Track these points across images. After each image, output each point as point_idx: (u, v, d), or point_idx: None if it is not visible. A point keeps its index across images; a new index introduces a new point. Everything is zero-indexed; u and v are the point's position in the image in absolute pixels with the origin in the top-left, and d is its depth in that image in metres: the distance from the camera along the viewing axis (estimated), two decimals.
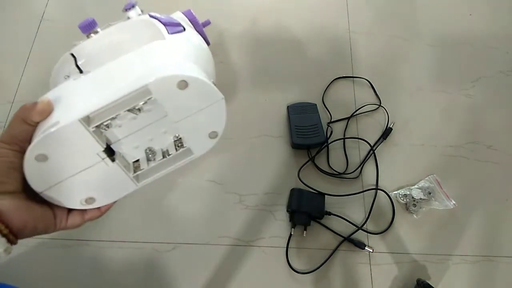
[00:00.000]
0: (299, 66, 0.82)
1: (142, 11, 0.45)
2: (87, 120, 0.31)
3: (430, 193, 0.69)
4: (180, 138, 0.37)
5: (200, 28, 0.49)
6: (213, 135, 0.37)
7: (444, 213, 0.69)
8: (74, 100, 0.33)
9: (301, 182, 0.70)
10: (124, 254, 0.65)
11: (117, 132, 0.34)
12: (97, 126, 0.31)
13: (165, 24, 0.41)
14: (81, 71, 0.40)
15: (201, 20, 0.51)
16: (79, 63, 0.41)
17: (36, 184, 0.32)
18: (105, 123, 0.32)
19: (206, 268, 0.65)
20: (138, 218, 0.68)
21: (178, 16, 0.48)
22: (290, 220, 0.67)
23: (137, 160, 0.37)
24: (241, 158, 0.73)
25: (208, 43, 0.48)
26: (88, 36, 0.41)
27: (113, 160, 0.34)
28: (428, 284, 0.60)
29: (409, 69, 0.83)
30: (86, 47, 0.42)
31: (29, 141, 0.31)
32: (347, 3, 0.89)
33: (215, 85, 0.34)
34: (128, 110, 0.32)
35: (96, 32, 0.41)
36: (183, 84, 0.31)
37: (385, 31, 0.87)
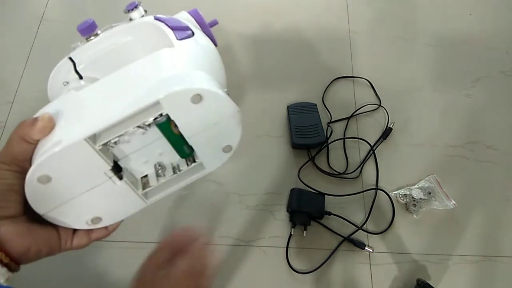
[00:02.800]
0: (299, 66, 0.82)
1: (145, 11, 0.42)
2: (93, 138, 0.29)
3: (430, 193, 0.69)
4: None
5: (207, 29, 0.45)
6: (227, 149, 0.35)
7: (444, 213, 0.69)
8: (78, 115, 0.30)
9: (301, 182, 0.70)
10: (124, 254, 0.65)
11: (125, 147, 0.32)
12: (104, 144, 0.29)
13: (172, 29, 0.38)
14: (80, 77, 0.39)
15: (207, 20, 0.47)
16: (78, 68, 0.39)
17: (38, 206, 0.30)
18: (112, 141, 0.30)
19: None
20: (138, 218, 0.68)
21: (184, 17, 0.45)
22: (290, 220, 0.67)
23: (146, 176, 0.35)
24: (241, 158, 0.73)
25: (215, 45, 0.45)
26: (87, 39, 0.39)
27: (120, 178, 0.32)
28: (428, 284, 0.60)
29: (409, 69, 0.83)
30: (86, 51, 0.39)
31: (29, 160, 0.29)
32: (347, 3, 0.89)
33: (228, 95, 0.32)
34: (138, 126, 0.30)
35: (97, 35, 0.39)
36: (197, 98, 0.29)
37: (385, 31, 0.87)
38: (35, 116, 0.30)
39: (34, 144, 0.29)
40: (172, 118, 0.30)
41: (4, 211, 0.29)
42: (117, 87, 0.31)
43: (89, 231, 0.35)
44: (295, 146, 0.73)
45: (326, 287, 0.64)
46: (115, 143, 0.31)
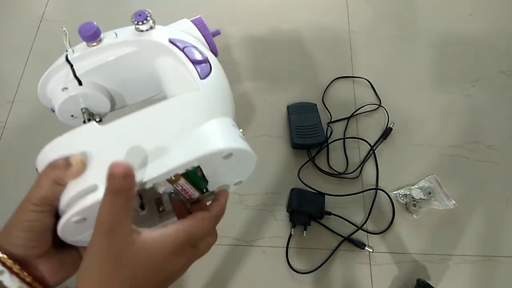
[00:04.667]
0: (299, 66, 0.82)
1: (154, 23, 0.38)
2: None
3: (430, 193, 0.69)
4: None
5: (210, 40, 0.43)
6: (238, 183, 0.37)
7: (444, 213, 0.69)
8: (108, 160, 0.30)
9: (301, 182, 0.70)
10: None
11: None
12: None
13: (193, 62, 0.36)
14: (80, 83, 0.37)
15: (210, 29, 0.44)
16: (78, 73, 0.37)
17: (67, 238, 0.31)
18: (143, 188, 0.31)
19: (206, 268, 0.65)
20: None
21: (186, 25, 0.43)
22: (290, 220, 0.67)
23: (159, 198, 0.36)
24: None
25: (216, 55, 0.43)
26: (89, 45, 0.37)
27: (143, 209, 0.34)
28: (428, 284, 0.60)
29: (409, 69, 0.83)
30: (87, 58, 0.38)
31: (58, 199, 0.29)
32: (347, 3, 0.89)
33: (243, 135, 0.34)
34: (167, 180, 0.31)
35: (100, 41, 0.37)
36: (229, 155, 0.32)
37: (385, 31, 0.87)
38: (61, 156, 0.30)
39: (64, 186, 0.29)
40: (203, 170, 0.32)
41: (39, 249, 0.29)
42: (148, 135, 0.31)
43: None
44: (295, 146, 0.73)
45: (326, 287, 0.64)
46: (144, 189, 0.32)
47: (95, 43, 0.37)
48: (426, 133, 0.76)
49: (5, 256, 0.28)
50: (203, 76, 0.36)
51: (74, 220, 0.29)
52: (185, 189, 0.34)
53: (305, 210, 0.66)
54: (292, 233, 0.66)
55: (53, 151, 0.31)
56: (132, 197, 0.27)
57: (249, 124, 0.75)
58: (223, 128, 0.33)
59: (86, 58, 0.37)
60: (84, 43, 0.37)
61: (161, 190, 0.32)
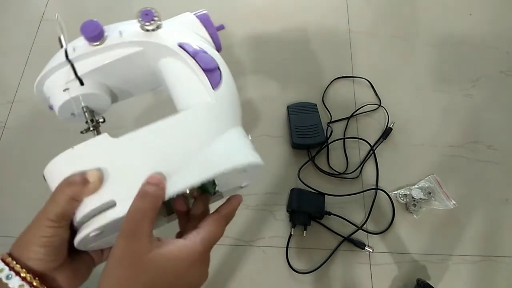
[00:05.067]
0: (299, 66, 0.82)
1: (160, 20, 0.36)
2: None
3: (430, 193, 0.69)
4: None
5: (215, 36, 0.42)
6: (244, 185, 0.38)
7: (444, 213, 0.69)
8: (124, 175, 0.30)
9: (301, 182, 0.70)
10: None
11: None
12: None
13: (204, 70, 0.35)
14: (82, 83, 0.36)
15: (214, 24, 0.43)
16: (79, 73, 0.36)
17: (82, 247, 0.32)
18: None
19: None
20: None
21: (189, 19, 0.41)
22: (290, 220, 0.67)
23: (168, 201, 0.36)
24: None
25: (219, 50, 0.42)
26: (92, 44, 0.35)
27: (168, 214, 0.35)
28: (428, 284, 0.60)
29: (409, 69, 0.83)
30: (89, 57, 0.36)
31: (74, 213, 0.30)
32: (347, 3, 0.89)
33: (252, 142, 0.35)
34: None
35: (104, 41, 0.35)
36: (243, 170, 0.32)
37: (385, 31, 0.87)
38: (75, 170, 0.30)
39: (81, 201, 0.30)
40: (216, 182, 0.33)
41: (57, 262, 0.30)
42: (164, 150, 0.31)
43: None
44: (295, 146, 0.73)
45: (326, 287, 0.64)
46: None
47: (98, 43, 0.35)
48: (426, 133, 0.76)
49: (24, 270, 0.28)
50: (215, 86, 0.35)
51: (92, 235, 0.29)
52: (192, 193, 0.35)
53: (305, 210, 0.66)
54: (292, 233, 0.66)
55: (65, 164, 0.31)
56: (158, 207, 0.28)
57: (249, 124, 0.75)
58: (240, 142, 0.34)
59: (88, 57, 0.36)
60: (84, 39, 0.35)
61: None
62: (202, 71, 0.35)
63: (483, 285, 0.65)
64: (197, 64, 0.35)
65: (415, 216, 0.68)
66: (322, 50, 0.84)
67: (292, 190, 0.69)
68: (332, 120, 0.76)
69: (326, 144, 0.74)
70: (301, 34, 0.86)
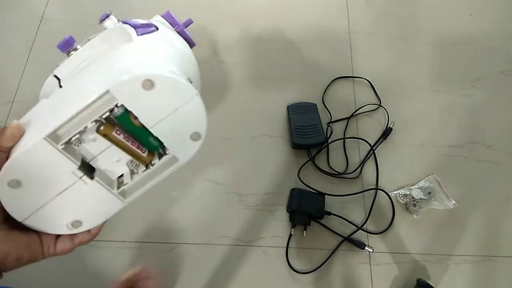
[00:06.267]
0: (299, 66, 0.82)
1: (118, 20, 0.43)
2: (55, 137, 0.29)
3: (430, 193, 0.69)
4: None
5: (180, 28, 0.46)
6: (195, 136, 0.34)
7: (444, 213, 0.69)
8: (42, 119, 0.31)
9: (301, 182, 0.70)
10: (124, 254, 0.65)
11: (92, 147, 0.32)
12: (66, 143, 0.29)
13: (135, 27, 0.39)
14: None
15: (182, 20, 0.48)
16: (62, 83, 0.39)
17: (15, 213, 0.30)
18: (74, 138, 0.29)
19: (206, 268, 0.65)
20: (138, 218, 0.68)
21: (157, 20, 0.46)
22: (290, 220, 0.67)
23: (122, 175, 0.35)
24: (241, 158, 0.73)
25: (192, 44, 0.46)
26: (68, 55, 0.40)
27: (91, 178, 0.32)
28: (428, 284, 0.60)
29: (409, 69, 0.83)
30: (68, 66, 0.40)
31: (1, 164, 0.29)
32: (347, 3, 0.89)
33: (191, 82, 0.32)
34: (95, 121, 0.29)
35: (76, 49, 0.40)
36: (148, 84, 0.28)
37: (385, 31, 0.87)
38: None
39: (7, 152, 0.29)
40: (128, 108, 0.30)
41: None
42: (75, 89, 0.33)
43: (72, 235, 0.35)
44: (295, 146, 0.73)
45: (326, 287, 0.64)
46: (79, 141, 0.30)
47: (72, 52, 0.40)
48: (426, 133, 0.76)
49: None
50: (140, 34, 0.37)
51: (7, 182, 0.28)
52: (128, 146, 0.32)
53: (305, 210, 0.66)
54: (292, 233, 0.66)
55: None
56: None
57: (249, 124, 0.75)
58: (143, 62, 0.32)
59: (67, 66, 0.40)
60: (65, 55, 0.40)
61: (99, 149, 0.32)
62: (132, 28, 0.39)
63: (483, 285, 0.65)
64: (130, 26, 0.39)
65: (415, 216, 0.68)
66: (322, 50, 0.84)
67: (292, 190, 0.69)
68: (332, 120, 0.76)
69: (326, 144, 0.74)
70: (301, 34, 0.86)
